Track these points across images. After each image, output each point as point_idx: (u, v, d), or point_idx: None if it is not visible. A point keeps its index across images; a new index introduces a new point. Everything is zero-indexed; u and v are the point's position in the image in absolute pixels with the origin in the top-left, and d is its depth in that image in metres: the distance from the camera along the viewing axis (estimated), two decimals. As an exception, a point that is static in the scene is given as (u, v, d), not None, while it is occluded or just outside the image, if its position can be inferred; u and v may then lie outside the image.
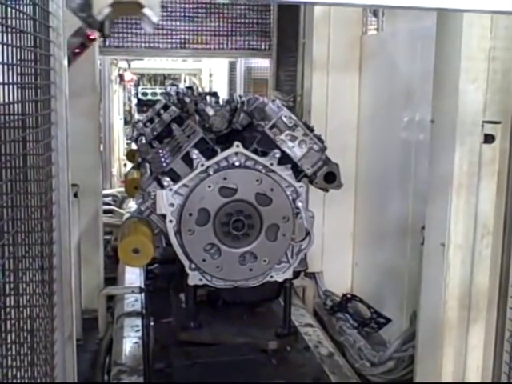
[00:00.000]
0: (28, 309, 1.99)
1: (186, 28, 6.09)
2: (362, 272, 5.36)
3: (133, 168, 5.25)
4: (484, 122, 2.95)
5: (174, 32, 6.27)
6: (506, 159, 2.97)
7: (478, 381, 3.11)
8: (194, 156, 3.25)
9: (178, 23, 6.20)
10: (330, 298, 5.31)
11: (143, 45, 6.34)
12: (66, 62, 2.38)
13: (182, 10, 6.11)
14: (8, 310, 1.82)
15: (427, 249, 3.26)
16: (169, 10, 6.14)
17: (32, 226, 2.05)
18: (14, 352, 1.85)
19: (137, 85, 16.07)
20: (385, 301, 4.87)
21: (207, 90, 11.60)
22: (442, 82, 3.13)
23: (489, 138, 2.93)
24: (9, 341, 1.79)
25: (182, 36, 6.31)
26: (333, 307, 5.17)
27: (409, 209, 4.42)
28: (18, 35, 1.96)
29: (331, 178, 3.50)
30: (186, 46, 6.30)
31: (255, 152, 3.33)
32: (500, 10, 1.62)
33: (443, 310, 3.09)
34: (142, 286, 4.83)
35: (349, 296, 5.24)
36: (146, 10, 3.08)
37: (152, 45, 6.30)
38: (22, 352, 1.91)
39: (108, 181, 9.41)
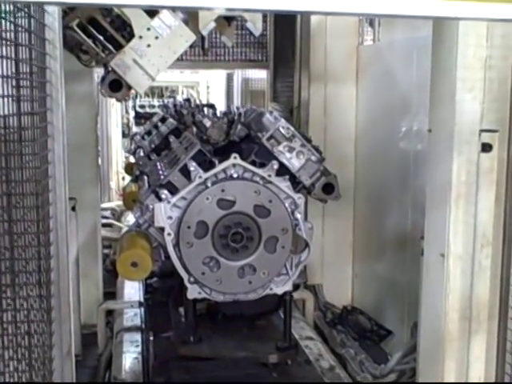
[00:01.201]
0: (26, 324, 1.97)
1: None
2: (362, 284, 5.33)
3: (131, 181, 5.23)
4: (481, 130, 2.94)
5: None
6: (503, 168, 2.96)
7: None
8: (192, 168, 3.23)
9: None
10: (331, 310, 5.28)
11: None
12: (62, 75, 2.37)
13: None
14: (5, 325, 1.79)
15: (427, 260, 3.24)
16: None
17: (29, 240, 2.03)
18: (11, 369, 1.83)
19: (134, 97, 16.09)
20: (385, 313, 4.84)
21: (205, 102, 11.61)
22: (439, 92, 3.13)
23: (486, 147, 2.92)
24: (6, 357, 1.77)
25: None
26: (333, 320, 5.14)
27: (408, 219, 4.40)
28: (13, 48, 1.95)
29: (329, 189, 3.49)
30: (183, 57, 6.31)
31: (253, 163, 3.32)
32: (496, 18, 1.61)
33: (444, 321, 3.06)
34: (141, 300, 4.80)
35: (349, 308, 5.21)
36: (248, 24, 3.21)
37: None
38: (19, 369, 1.89)
39: (106, 194, 9.39)
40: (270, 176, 3.24)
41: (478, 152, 2.97)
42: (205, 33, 3.22)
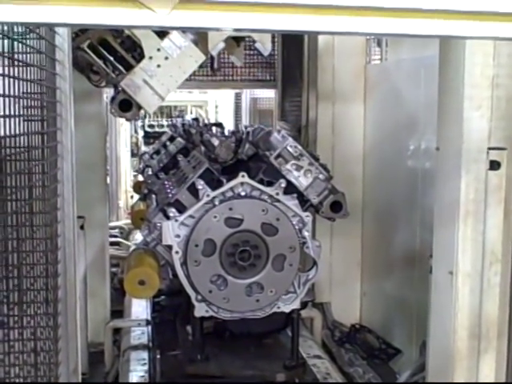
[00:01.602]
0: (32, 342, 1.97)
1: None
2: (371, 302, 5.30)
3: (139, 200, 5.25)
4: (489, 148, 2.95)
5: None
6: (512, 186, 2.96)
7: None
8: (200, 187, 3.25)
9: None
10: (339, 328, 5.25)
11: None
12: (71, 95, 2.40)
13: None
14: (12, 343, 1.80)
15: (435, 277, 3.22)
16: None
17: (37, 258, 2.05)
18: (18, 386, 1.83)
19: (144, 117, 16.20)
20: (394, 331, 4.81)
21: (213, 121, 11.67)
22: (447, 110, 3.14)
23: (494, 165, 2.92)
24: (12, 375, 1.77)
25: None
26: (341, 338, 5.11)
27: (416, 237, 4.39)
28: (24, 68, 1.98)
29: (337, 208, 3.49)
30: (192, 77, 6.36)
31: (261, 182, 3.33)
32: (502, 37, 1.63)
33: (453, 339, 3.04)
34: (149, 318, 4.79)
35: (357, 327, 5.18)
36: (257, 45, 3.29)
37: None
38: (26, 386, 1.89)
39: (115, 213, 9.42)
40: (277, 194, 3.25)
41: (486, 170, 2.96)
42: (214, 53, 3.27)
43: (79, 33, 3.24)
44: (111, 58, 3.43)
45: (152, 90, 3.18)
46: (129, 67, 3.33)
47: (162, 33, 3.27)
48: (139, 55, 3.25)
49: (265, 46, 3.31)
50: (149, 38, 3.19)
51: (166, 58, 3.19)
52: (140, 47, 3.23)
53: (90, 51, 3.36)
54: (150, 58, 3.19)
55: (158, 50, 3.19)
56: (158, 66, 3.19)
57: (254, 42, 3.35)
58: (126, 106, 3.20)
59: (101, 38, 3.32)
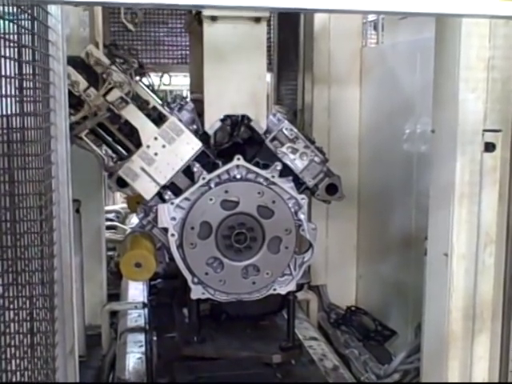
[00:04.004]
0: (28, 323, 1.98)
1: (187, 43, 6.11)
2: (367, 284, 5.33)
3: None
4: (484, 130, 2.94)
5: (174, 47, 6.30)
6: (507, 167, 2.96)
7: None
8: (196, 169, 3.25)
9: (178, 38, 6.23)
10: (335, 311, 5.28)
11: (144, 61, 6.35)
12: (65, 77, 2.39)
13: (182, 25, 6.13)
14: (8, 323, 1.80)
15: (430, 259, 3.23)
16: (169, 25, 6.18)
17: (32, 239, 2.04)
18: (13, 367, 1.84)
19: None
20: (390, 313, 4.84)
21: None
22: (442, 92, 3.13)
23: (489, 147, 2.93)
24: (8, 355, 1.78)
25: (183, 52, 6.33)
26: (337, 320, 5.13)
27: (412, 220, 4.40)
28: (17, 49, 1.97)
29: (333, 190, 3.50)
30: (187, 60, 6.33)
31: (256, 165, 3.34)
32: (498, 15, 1.62)
33: (447, 321, 3.06)
34: (145, 301, 4.81)
35: (353, 309, 5.20)
36: (253, 124, 3.38)
37: (152, 60, 6.31)
38: (22, 367, 1.89)
39: (111, 197, 9.40)
40: (273, 177, 3.26)
41: (481, 152, 2.97)
42: (211, 132, 3.37)
43: (80, 120, 3.29)
44: (110, 139, 3.51)
45: (149, 177, 3.30)
46: (127, 149, 3.43)
47: (159, 119, 3.38)
48: (137, 140, 3.35)
49: (260, 123, 3.40)
50: (145, 126, 3.30)
51: (163, 147, 3.29)
52: (137, 131, 3.30)
53: (88, 140, 3.42)
54: (148, 146, 3.29)
55: (155, 138, 3.28)
56: (156, 154, 3.30)
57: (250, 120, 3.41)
58: (124, 181, 3.30)
59: (99, 123, 3.38)
